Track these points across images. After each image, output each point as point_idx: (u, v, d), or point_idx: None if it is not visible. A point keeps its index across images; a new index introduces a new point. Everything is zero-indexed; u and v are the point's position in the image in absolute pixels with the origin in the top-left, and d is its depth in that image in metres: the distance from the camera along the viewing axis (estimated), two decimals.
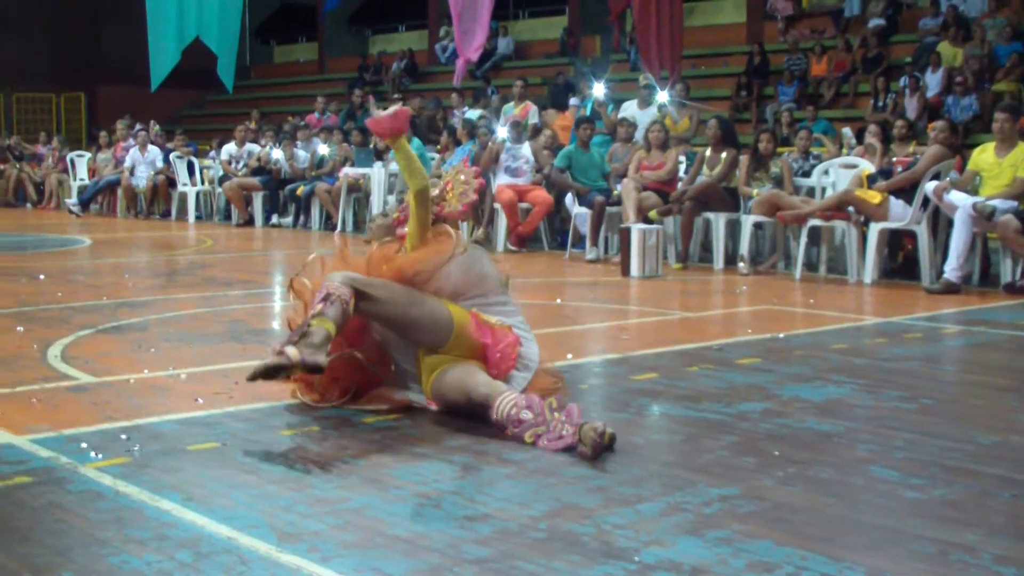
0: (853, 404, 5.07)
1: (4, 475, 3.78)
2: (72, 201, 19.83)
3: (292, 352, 4.37)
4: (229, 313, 7.79)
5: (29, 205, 22.42)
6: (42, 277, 9.75)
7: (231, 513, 3.38)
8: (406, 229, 5.03)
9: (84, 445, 4.13)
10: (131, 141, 19.72)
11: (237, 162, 18.12)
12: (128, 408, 4.76)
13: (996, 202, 9.60)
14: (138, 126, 20.36)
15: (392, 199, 15.21)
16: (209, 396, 4.98)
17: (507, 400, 4.34)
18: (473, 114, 17.88)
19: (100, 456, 4.00)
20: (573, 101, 17.45)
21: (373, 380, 4.93)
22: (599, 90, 16.53)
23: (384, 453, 4.13)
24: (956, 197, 9.83)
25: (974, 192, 10.11)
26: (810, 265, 11.05)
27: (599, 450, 4.06)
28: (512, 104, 16.87)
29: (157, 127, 20.89)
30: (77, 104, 30.17)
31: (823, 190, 11.42)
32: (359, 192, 16.25)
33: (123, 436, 4.26)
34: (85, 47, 31.62)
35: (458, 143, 15.23)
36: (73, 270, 10.99)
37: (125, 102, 27.63)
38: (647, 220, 11.40)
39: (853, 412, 4.90)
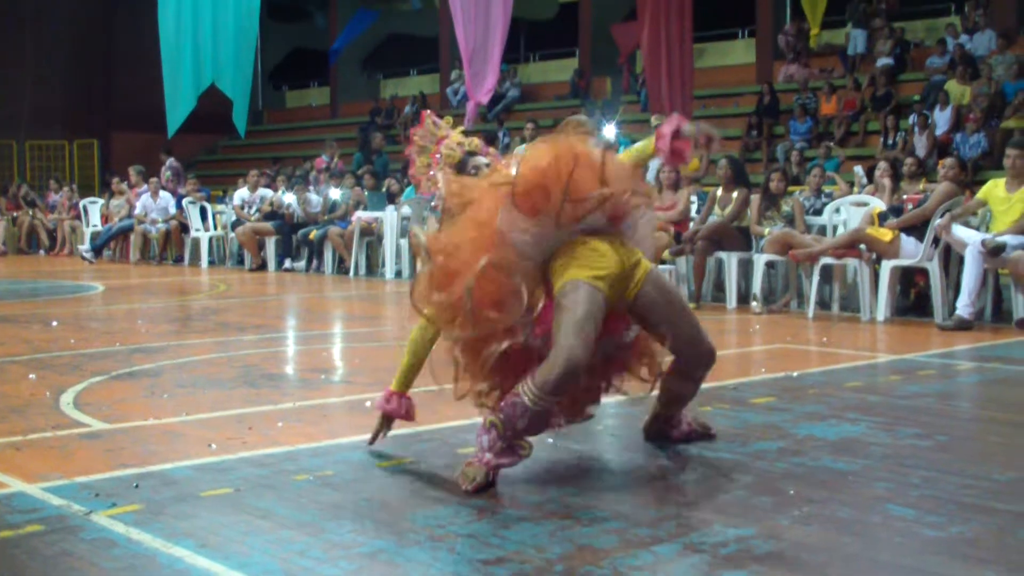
0: (869, 442, 5.03)
1: (16, 524, 3.76)
2: (85, 247, 19.90)
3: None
4: (243, 358, 7.78)
5: (42, 252, 22.52)
6: (55, 324, 9.76)
7: (246, 560, 3.36)
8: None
9: (97, 494, 4.11)
10: (144, 187, 19.80)
11: (250, 207, 18.17)
12: (141, 454, 4.75)
13: (1007, 237, 9.58)
14: (172, 165, 20.48)
15: (405, 241, 15.23)
16: (223, 441, 4.96)
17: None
18: (481, 160, 17.92)
19: (113, 503, 3.98)
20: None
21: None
22: (609, 132, 16.56)
23: (398, 497, 4.11)
24: (965, 233, 9.81)
25: (985, 227, 10.10)
26: (823, 303, 11.02)
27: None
28: (524, 146, 16.88)
29: (168, 173, 20.97)
30: (90, 151, 30.32)
31: (835, 228, 11.40)
32: (372, 236, 16.29)
33: (135, 484, 4.24)
34: (98, 94, 31.86)
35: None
36: (86, 316, 11.01)
37: (138, 148, 27.83)
38: (660, 261, 11.39)
39: (869, 450, 4.87)
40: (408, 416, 4.83)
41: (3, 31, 30.03)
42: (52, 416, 5.61)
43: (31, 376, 6.83)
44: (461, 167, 4.91)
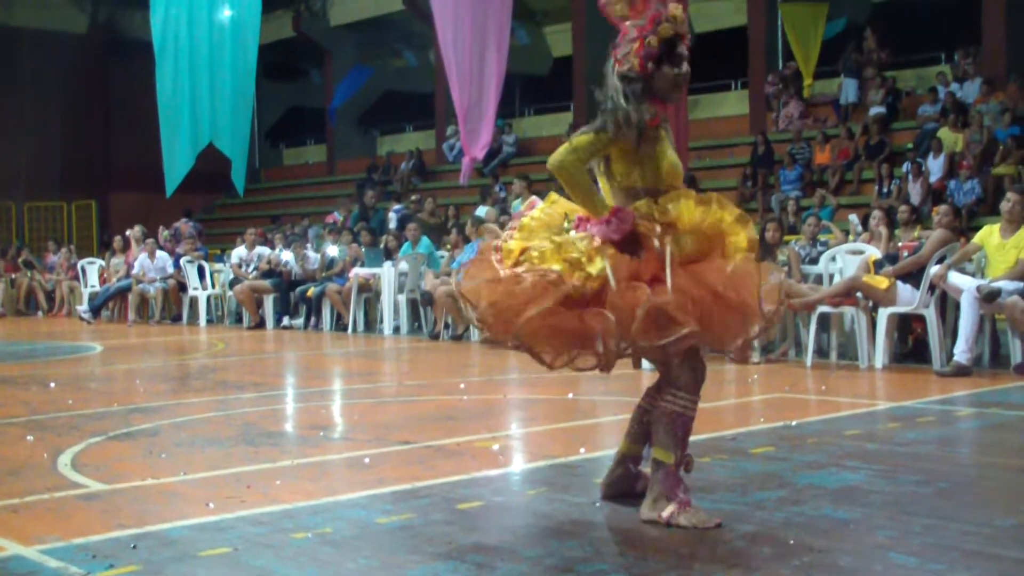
0: (869, 490, 5.01)
1: None
2: (83, 308, 19.88)
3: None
4: (241, 416, 7.76)
5: (40, 313, 22.51)
6: (53, 385, 9.74)
7: None
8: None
9: (94, 555, 4.09)
10: (141, 247, 19.83)
11: (247, 265, 18.18)
12: (139, 515, 4.72)
13: (1002, 283, 9.60)
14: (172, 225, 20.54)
15: (403, 297, 15.26)
16: (221, 500, 4.94)
17: None
18: (482, 211, 17.97)
19: (111, 565, 3.95)
20: None
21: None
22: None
23: (397, 554, 4.08)
24: (960, 280, 9.83)
25: (980, 273, 10.12)
26: (821, 352, 11.01)
27: None
28: (519, 200, 16.96)
29: (165, 233, 21.01)
30: (88, 212, 30.40)
31: (831, 277, 11.40)
32: (370, 292, 16.29)
33: (133, 545, 4.21)
34: (96, 155, 31.99)
35: (467, 240, 15.29)
36: (84, 377, 10.99)
37: (136, 208, 27.92)
38: None
39: (869, 498, 4.84)
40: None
41: (2, 101, 30.16)
42: (50, 478, 5.58)
43: (28, 438, 6.81)
44: (668, 47, 4.50)
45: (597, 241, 4.33)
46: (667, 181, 4.50)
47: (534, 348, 4.39)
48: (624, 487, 4.86)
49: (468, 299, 4.45)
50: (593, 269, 4.27)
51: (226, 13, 16.18)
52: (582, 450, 6.07)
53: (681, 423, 4.50)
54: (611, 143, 4.46)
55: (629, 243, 4.32)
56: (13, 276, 23.02)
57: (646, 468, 4.77)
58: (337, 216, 22.04)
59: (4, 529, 4.50)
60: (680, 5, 4.56)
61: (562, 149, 4.42)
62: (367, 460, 5.85)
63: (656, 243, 4.34)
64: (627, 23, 4.52)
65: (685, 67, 4.57)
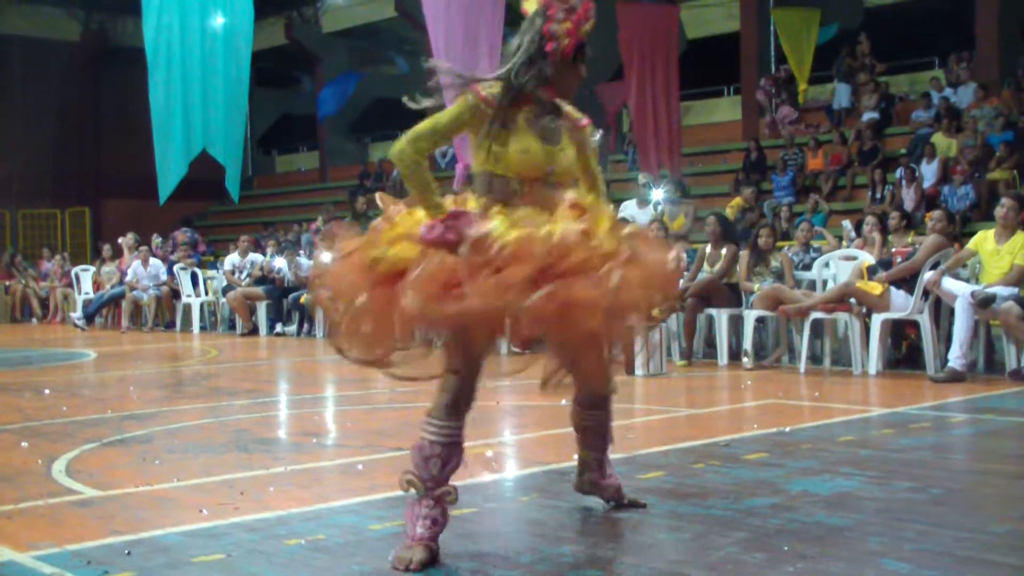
0: (862, 496, 5.01)
1: None
2: (77, 315, 19.89)
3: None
4: (234, 423, 7.76)
5: (34, 320, 22.51)
6: (47, 392, 9.73)
7: None
8: None
9: (89, 561, 4.09)
10: (135, 254, 19.83)
11: (240, 272, 18.17)
12: (133, 521, 4.72)
13: (997, 289, 9.61)
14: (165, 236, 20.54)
15: None
16: (214, 507, 4.94)
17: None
18: None
19: (105, 571, 3.95)
20: None
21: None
22: None
23: (390, 561, 4.08)
24: (954, 286, 9.84)
25: (975, 279, 10.13)
26: (814, 358, 11.02)
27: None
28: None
29: (158, 240, 21.00)
30: (82, 219, 30.38)
31: (824, 283, 11.42)
32: None
33: (127, 552, 4.21)
34: (89, 162, 31.98)
35: None
36: (78, 384, 10.98)
37: (130, 216, 27.93)
38: (650, 318, 11.36)
39: (862, 504, 4.85)
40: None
41: None
42: (44, 484, 5.57)
43: (23, 444, 6.80)
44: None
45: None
46: (516, 169, 4.12)
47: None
48: (590, 490, 4.89)
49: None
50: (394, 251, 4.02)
51: (219, 20, 16.19)
52: (575, 456, 6.07)
53: (431, 451, 4.07)
54: (450, 127, 4.13)
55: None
56: (8, 283, 23.01)
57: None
58: (319, 224, 22.00)
59: (0, 535, 4.51)
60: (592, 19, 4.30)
61: (403, 137, 4.11)
62: (360, 467, 5.85)
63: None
64: (554, 3, 4.20)
65: (584, 70, 4.30)
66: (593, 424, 4.77)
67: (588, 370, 4.54)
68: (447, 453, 4.06)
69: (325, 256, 4.34)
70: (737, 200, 18.72)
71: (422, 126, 4.11)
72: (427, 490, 4.04)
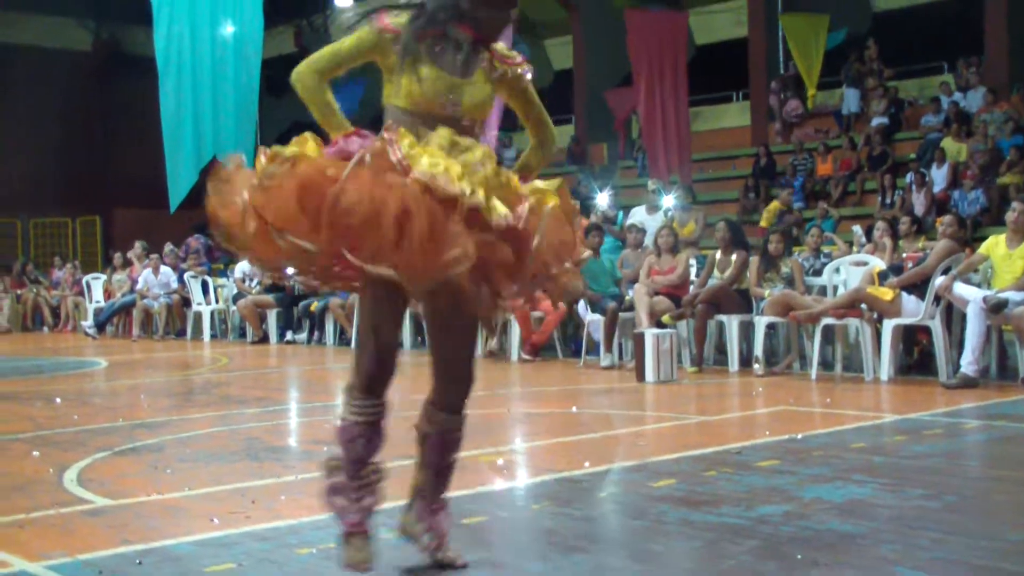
0: (875, 504, 4.99)
1: None
2: (88, 323, 19.92)
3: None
4: (245, 431, 7.75)
5: (46, 329, 22.55)
6: (59, 400, 9.74)
7: None
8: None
9: (100, 571, 4.08)
10: (145, 263, 19.87)
11: (251, 279, 18.18)
12: (144, 531, 4.71)
13: (1009, 294, 9.58)
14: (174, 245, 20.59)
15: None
16: (225, 516, 4.93)
17: None
18: None
19: None
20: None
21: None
22: (603, 200, 16.65)
23: (402, 569, 4.07)
24: (966, 291, 9.81)
25: (987, 284, 10.09)
26: (825, 364, 10.99)
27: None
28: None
29: (170, 248, 21.02)
30: (93, 228, 30.44)
31: (835, 288, 11.39)
32: None
33: (138, 561, 4.20)
34: (99, 171, 32.02)
35: None
36: (90, 392, 10.98)
37: (140, 224, 28.00)
38: (660, 325, 11.37)
39: (876, 512, 4.83)
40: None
41: (6, 118, 30.23)
42: (55, 493, 5.57)
43: (34, 453, 6.80)
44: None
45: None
46: (416, 99, 3.87)
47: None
48: (411, 529, 4.23)
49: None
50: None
51: (229, 29, 16.23)
52: (586, 464, 6.06)
53: (346, 433, 3.92)
54: (351, 55, 3.98)
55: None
56: (19, 292, 23.06)
57: None
58: None
59: (10, 545, 4.50)
60: None
61: (303, 63, 3.98)
62: None
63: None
64: None
65: (514, 16, 4.04)
66: (436, 434, 4.08)
67: (457, 344, 4.01)
68: (372, 433, 3.89)
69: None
70: (775, 204, 18.66)
71: (322, 51, 3.99)
72: (354, 472, 3.90)
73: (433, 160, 3.57)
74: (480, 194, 3.55)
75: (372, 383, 3.85)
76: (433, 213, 3.48)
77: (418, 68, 3.86)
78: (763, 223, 18.03)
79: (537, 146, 4.31)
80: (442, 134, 3.73)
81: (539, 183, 3.94)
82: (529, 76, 4.12)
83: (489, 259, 3.60)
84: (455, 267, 3.49)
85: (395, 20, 3.91)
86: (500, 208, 3.60)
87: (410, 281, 3.59)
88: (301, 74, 3.95)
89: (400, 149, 3.63)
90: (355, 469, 3.89)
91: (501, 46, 4.05)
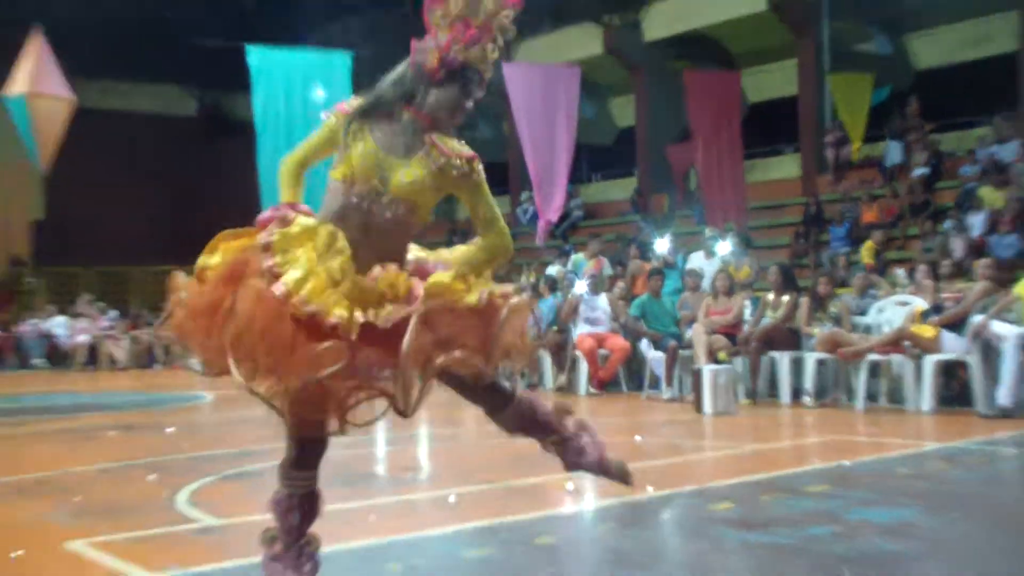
0: (919, 525, 4.96)
1: None
2: (195, 361, 20.13)
3: None
4: (338, 458, 7.77)
5: (158, 366, 22.82)
6: (170, 430, 9.87)
7: None
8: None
9: None
10: None
11: None
12: (247, 548, 4.77)
13: None
14: None
15: None
16: (321, 535, 4.96)
17: None
18: (553, 269, 18.00)
19: None
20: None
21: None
22: (662, 246, 16.65)
23: None
24: (1002, 328, 9.72)
25: (1021, 322, 9.99)
26: (871, 396, 10.91)
27: None
28: (582, 256, 16.96)
29: None
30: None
31: (879, 327, 11.31)
32: None
33: None
34: (203, 225, 32.25)
35: (541, 297, 15.34)
36: (198, 423, 11.12)
37: None
38: (717, 361, 11.36)
39: (918, 532, 4.80)
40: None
41: (121, 177, 30.99)
42: (169, 513, 5.66)
43: (151, 477, 6.91)
44: (466, 73, 3.67)
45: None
46: (347, 175, 3.67)
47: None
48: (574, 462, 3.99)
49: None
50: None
51: (319, 93, 16.49)
52: (649, 489, 6.06)
53: (281, 505, 3.88)
54: (321, 144, 3.81)
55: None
56: (135, 333, 23.40)
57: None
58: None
59: (132, 557, 4.58)
60: (495, 47, 3.68)
61: (290, 153, 3.92)
62: (452, 499, 5.88)
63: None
64: (439, 32, 3.65)
65: (469, 104, 3.73)
66: (513, 428, 3.97)
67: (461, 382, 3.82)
68: (306, 504, 3.84)
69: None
70: (869, 244, 18.41)
71: (301, 143, 3.89)
72: (291, 542, 3.80)
73: (298, 275, 3.48)
74: (336, 311, 3.44)
75: (303, 460, 3.85)
76: (289, 326, 3.44)
77: (356, 143, 3.65)
78: (865, 259, 17.82)
79: (481, 247, 3.85)
80: (322, 235, 3.60)
81: (443, 276, 3.67)
82: (478, 175, 3.73)
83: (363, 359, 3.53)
84: (316, 373, 3.44)
85: (351, 104, 3.74)
86: (356, 319, 3.46)
87: (285, 393, 3.59)
88: (285, 164, 3.92)
89: (272, 257, 3.55)
90: (291, 539, 3.79)
91: (451, 141, 3.69)
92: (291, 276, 3.46)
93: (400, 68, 3.71)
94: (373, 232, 3.63)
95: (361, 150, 3.63)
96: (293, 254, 3.53)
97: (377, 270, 3.57)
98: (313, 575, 3.79)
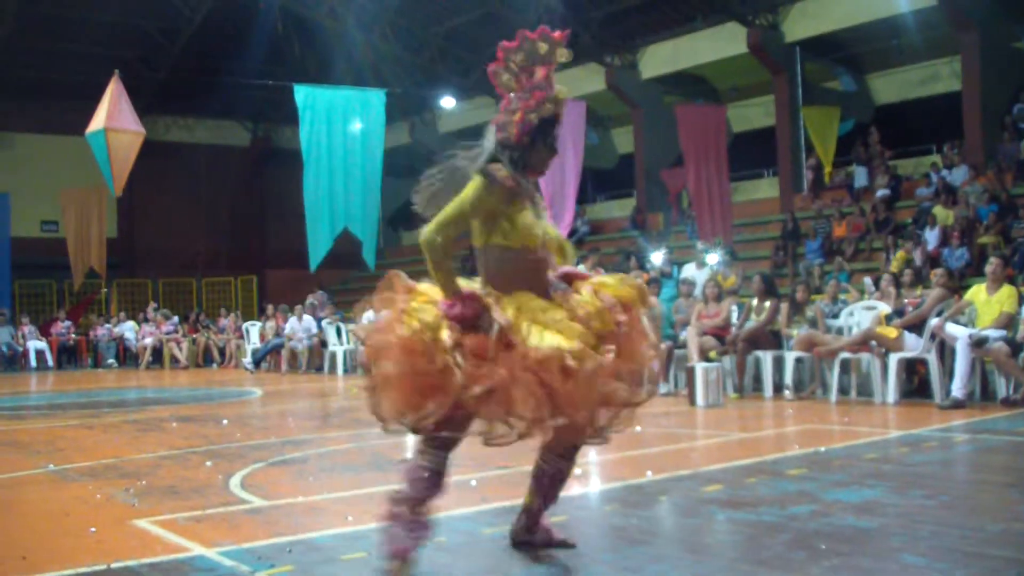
0: (885, 503, 4.92)
1: None
2: (247, 361, 20.17)
3: None
4: (372, 447, 7.80)
5: (215, 365, 22.85)
6: (225, 422, 9.87)
7: None
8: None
9: (259, 557, 4.14)
10: (291, 314, 20.18)
11: None
12: (293, 525, 4.77)
13: (989, 332, 9.52)
14: (310, 299, 20.83)
15: None
16: (358, 514, 4.97)
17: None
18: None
19: (271, 565, 4.00)
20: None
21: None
22: (658, 258, 16.59)
23: (501, 559, 4.07)
24: (955, 329, 9.71)
25: (971, 324, 9.96)
26: (843, 390, 10.84)
27: None
28: (583, 267, 16.90)
29: (310, 300, 21.25)
30: (250, 285, 30.84)
31: (849, 328, 11.25)
32: None
33: (288, 550, 4.25)
34: (256, 241, 32.62)
35: None
36: (248, 415, 11.11)
37: (288, 282, 28.52)
38: (708, 359, 11.30)
39: (885, 510, 4.76)
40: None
41: (183, 200, 31.18)
42: (224, 495, 5.66)
43: (207, 463, 6.91)
44: (546, 125, 3.79)
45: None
46: (522, 241, 3.69)
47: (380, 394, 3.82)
48: (523, 536, 4.18)
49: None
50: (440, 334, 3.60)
51: (357, 126, 16.50)
52: (648, 473, 6.03)
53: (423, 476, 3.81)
54: (474, 210, 3.66)
55: (469, 325, 3.58)
56: (194, 336, 23.43)
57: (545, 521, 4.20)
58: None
59: (190, 534, 4.58)
60: (565, 88, 3.83)
61: (431, 227, 3.64)
62: (473, 482, 5.85)
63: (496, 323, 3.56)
64: (511, 94, 3.80)
65: (556, 146, 3.84)
66: (552, 471, 4.06)
67: (568, 429, 3.75)
68: (435, 479, 3.78)
69: (367, 317, 3.91)
70: (901, 254, 18.22)
71: (446, 213, 3.64)
72: (412, 507, 3.74)
73: (547, 332, 3.55)
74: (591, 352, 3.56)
75: (445, 441, 3.78)
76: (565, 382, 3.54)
77: (524, 213, 3.72)
78: (894, 268, 17.69)
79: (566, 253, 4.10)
80: (533, 302, 3.66)
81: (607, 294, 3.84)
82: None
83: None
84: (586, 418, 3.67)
85: (500, 173, 3.67)
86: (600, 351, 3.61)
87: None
88: (434, 242, 3.61)
89: (503, 319, 3.57)
90: (412, 505, 3.73)
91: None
92: (546, 337, 3.54)
93: (487, 144, 3.79)
94: (543, 277, 3.78)
95: (526, 219, 3.71)
96: (521, 322, 3.59)
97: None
98: (423, 538, 3.75)
